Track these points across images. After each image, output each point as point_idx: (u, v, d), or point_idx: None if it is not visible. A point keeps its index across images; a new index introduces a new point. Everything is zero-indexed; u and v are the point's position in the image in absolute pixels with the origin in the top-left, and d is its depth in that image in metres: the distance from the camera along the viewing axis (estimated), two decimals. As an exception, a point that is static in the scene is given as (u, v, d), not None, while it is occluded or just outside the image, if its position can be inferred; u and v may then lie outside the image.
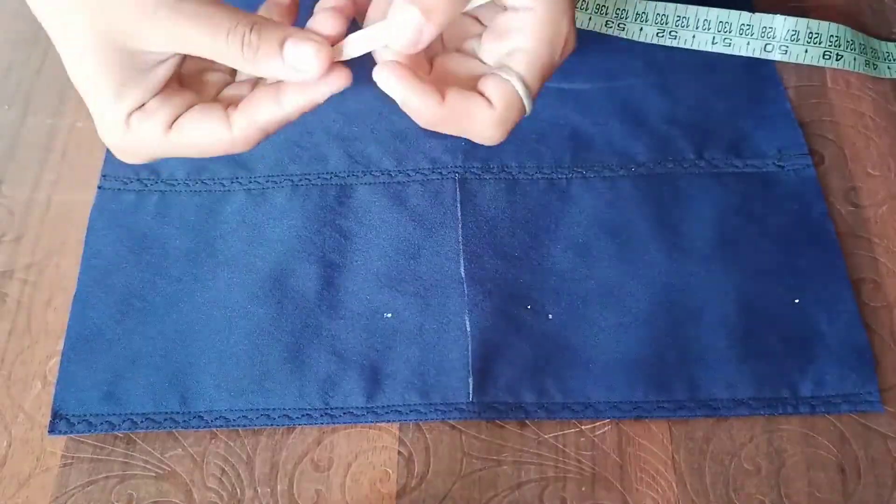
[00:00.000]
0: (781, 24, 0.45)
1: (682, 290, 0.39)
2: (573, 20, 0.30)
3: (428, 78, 0.30)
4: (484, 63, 0.31)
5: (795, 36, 0.45)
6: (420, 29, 0.28)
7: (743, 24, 0.45)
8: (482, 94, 0.30)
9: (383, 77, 0.29)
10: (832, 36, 0.45)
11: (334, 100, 0.43)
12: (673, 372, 0.37)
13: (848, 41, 0.45)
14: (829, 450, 0.36)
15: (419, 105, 0.29)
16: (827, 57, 0.45)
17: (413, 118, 0.30)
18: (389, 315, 0.38)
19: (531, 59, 0.30)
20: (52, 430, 0.36)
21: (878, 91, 0.46)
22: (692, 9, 0.46)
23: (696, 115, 0.45)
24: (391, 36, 0.29)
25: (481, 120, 0.30)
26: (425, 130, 0.38)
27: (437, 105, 0.29)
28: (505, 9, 0.31)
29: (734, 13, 0.45)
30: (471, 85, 0.30)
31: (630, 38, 0.46)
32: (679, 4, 0.46)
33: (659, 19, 0.46)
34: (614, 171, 0.42)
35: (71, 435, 0.36)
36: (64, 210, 0.43)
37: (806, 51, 0.45)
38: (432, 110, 0.29)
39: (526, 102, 0.30)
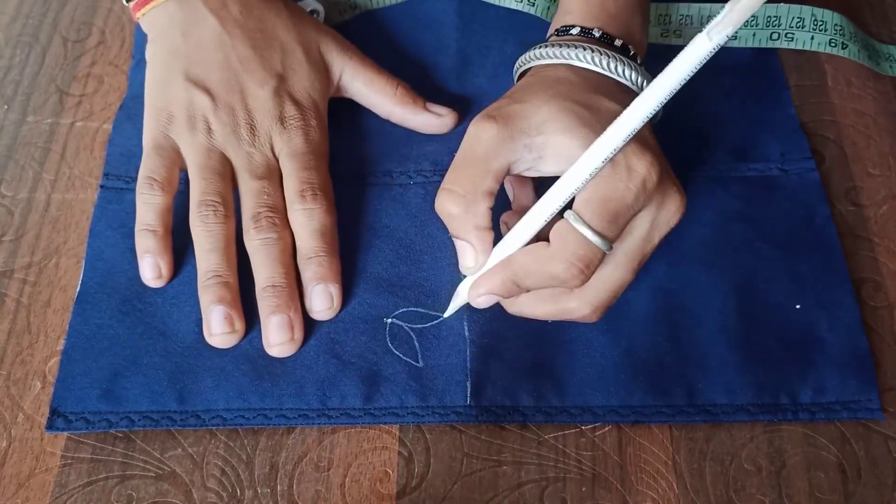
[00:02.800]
0: (786, 13, 0.44)
1: (683, 294, 0.39)
2: (644, 152, 0.32)
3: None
4: None
5: (801, 23, 0.45)
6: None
7: None
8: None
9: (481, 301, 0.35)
10: (836, 25, 0.45)
11: (338, 104, 0.44)
12: (672, 377, 0.37)
13: (851, 33, 0.45)
14: (830, 450, 0.36)
15: (496, 281, 0.34)
16: (833, 45, 0.45)
17: (511, 294, 0.35)
18: (389, 320, 0.38)
19: (587, 196, 0.32)
20: (49, 427, 0.36)
21: (879, 90, 0.46)
22: (695, 6, 0.46)
23: (700, 118, 0.44)
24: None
25: (543, 258, 0.32)
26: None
27: (506, 268, 0.33)
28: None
29: None
30: None
31: None
32: (681, 4, 0.46)
33: (662, 19, 0.46)
34: None
35: (68, 432, 0.36)
36: (64, 210, 0.43)
37: (812, 37, 0.45)
38: (504, 274, 0.34)
39: (584, 232, 0.31)
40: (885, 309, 0.39)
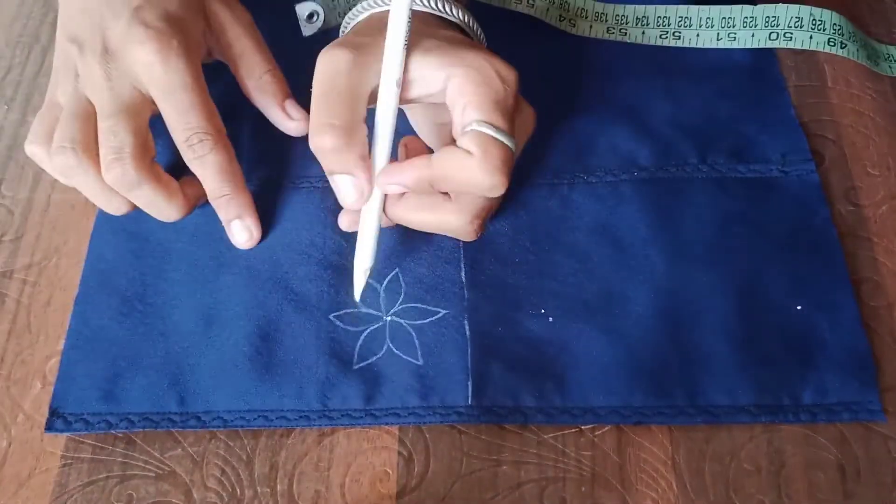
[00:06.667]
0: (784, 13, 0.45)
1: (684, 295, 0.39)
2: (488, 57, 0.34)
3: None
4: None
5: (799, 23, 0.45)
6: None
7: (746, 17, 0.45)
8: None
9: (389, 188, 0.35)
10: (835, 24, 0.45)
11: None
12: (673, 377, 0.37)
13: (850, 32, 0.45)
14: (830, 450, 0.36)
15: (413, 175, 0.34)
16: (832, 44, 0.45)
17: (416, 191, 0.35)
18: (387, 318, 0.38)
19: (479, 103, 0.33)
20: (49, 428, 0.36)
21: (878, 90, 0.46)
22: (693, 8, 0.46)
23: (700, 120, 0.44)
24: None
25: (468, 167, 0.32)
26: None
27: (426, 167, 0.33)
28: (438, 103, 0.35)
29: (736, 8, 0.45)
30: None
31: (633, 41, 0.46)
32: (680, 6, 0.46)
33: (661, 21, 0.46)
34: (616, 176, 0.42)
35: (68, 434, 0.36)
36: (64, 210, 0.43)
37: (811, 37, 0.45)
38: (422, 172, 0.34)
39: (500, 137, 0.32)
40: (885, 309, 0.39)
